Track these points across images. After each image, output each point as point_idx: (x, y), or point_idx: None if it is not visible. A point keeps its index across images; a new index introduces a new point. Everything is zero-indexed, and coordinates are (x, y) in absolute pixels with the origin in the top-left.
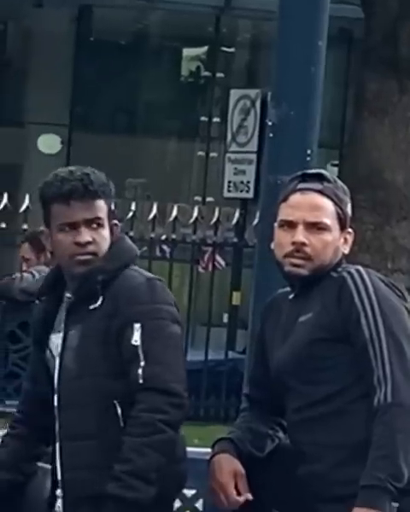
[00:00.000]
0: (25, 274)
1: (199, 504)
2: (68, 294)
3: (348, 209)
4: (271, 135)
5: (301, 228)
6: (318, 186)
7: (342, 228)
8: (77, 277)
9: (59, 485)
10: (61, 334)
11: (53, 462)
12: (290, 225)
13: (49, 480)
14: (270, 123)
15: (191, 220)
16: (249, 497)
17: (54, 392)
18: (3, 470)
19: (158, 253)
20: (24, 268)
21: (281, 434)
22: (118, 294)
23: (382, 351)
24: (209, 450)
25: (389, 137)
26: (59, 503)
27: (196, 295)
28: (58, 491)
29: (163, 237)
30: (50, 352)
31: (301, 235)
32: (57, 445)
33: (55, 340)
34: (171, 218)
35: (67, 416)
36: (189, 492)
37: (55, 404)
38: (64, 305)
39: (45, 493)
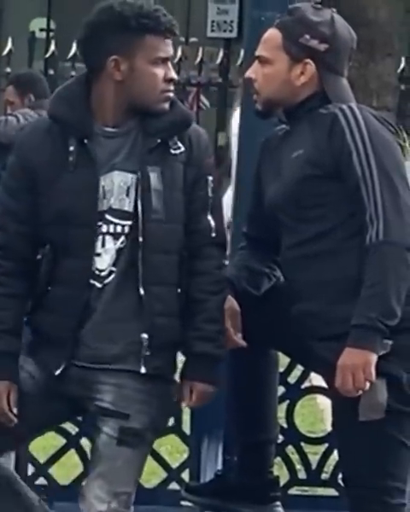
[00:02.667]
0: (9, 117)
1: None
2: (110, 129)
3: (309, 41)
4: None
5: (255, 63)
6: (277, 20)
7: (296, 60)
8: (158, 115)
9: (146, 329)
10: (132, 175)
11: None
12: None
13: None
14: None
15: (175, 60)
16: (240, 337)
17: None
18: (15, 336)
19: None
20: (8, 111)
21: (278, 273)
22: (192, 143)
23: (374, 188)
24: None
25: None
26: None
27: None
28: (144, 335)
29: None
30: (96, 190)
31: (251, 70)
32: (141, 290)
33: (117, 178)
34: None
35: (152, 259)
36: None
37: (129, 244)
38: (106, 140)
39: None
